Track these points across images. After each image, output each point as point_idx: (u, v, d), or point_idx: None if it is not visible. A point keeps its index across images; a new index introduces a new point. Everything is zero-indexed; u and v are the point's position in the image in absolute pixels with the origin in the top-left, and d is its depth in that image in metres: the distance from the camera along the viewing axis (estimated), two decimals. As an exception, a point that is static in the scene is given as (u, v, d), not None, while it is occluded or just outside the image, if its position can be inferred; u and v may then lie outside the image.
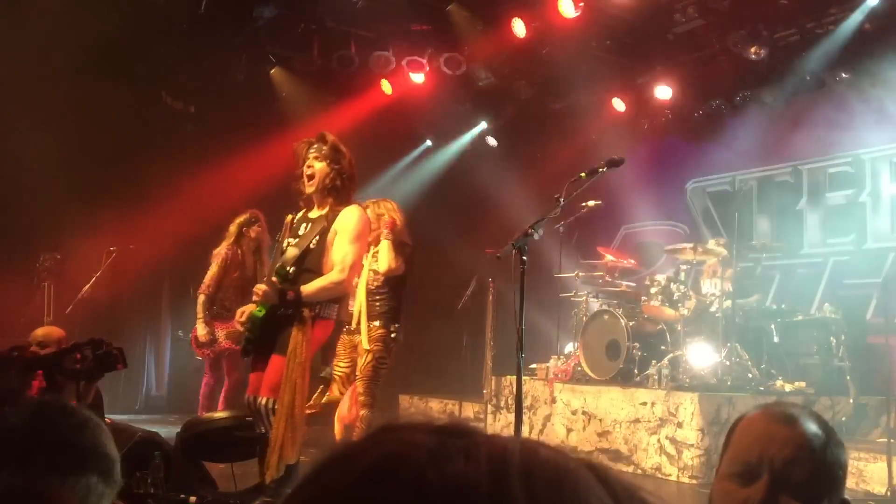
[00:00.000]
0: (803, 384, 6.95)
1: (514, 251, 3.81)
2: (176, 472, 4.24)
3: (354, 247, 4.29)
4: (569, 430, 7.41)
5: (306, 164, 4.35)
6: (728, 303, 7.12)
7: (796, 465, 1.39)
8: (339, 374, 5.75)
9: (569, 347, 8.41)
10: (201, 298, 6.82)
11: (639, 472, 6.67)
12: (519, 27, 8.38)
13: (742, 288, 7.47)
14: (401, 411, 9.88)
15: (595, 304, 8.04)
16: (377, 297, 5.65)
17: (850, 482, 5.67)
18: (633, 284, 8.19)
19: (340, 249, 4.25)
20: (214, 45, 8.65)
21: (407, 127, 10.76)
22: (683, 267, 7.69)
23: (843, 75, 8.08)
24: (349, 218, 4.30)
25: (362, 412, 5.48)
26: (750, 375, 6.91)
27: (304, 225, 4.41)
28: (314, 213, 4.43)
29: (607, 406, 7.07)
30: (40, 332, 4.33)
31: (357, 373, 5.59)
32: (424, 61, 9.24)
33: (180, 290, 9.90)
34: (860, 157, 8.42)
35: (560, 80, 9.51)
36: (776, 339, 7.12)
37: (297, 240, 4.37)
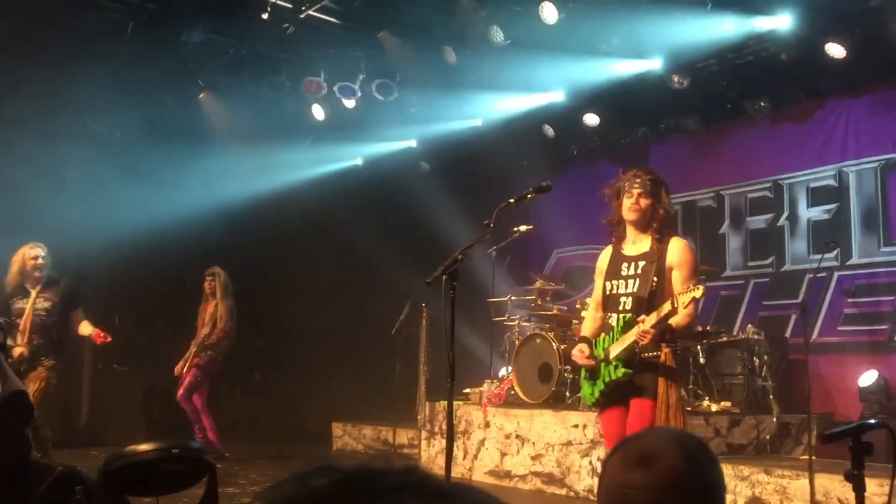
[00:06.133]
0: (729, 404, 7.14)
1: (444, 277, 3.81)
2: (98, 507, 4.09)
3: (695, 280, 4.14)
4: (503, 454, 7.43)
5: (628, 195, 4.22)
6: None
7: None
8: None
9: (502, 371, 8.45)
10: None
11: (572, 494, 6.72)
12: (449, 55, 8.46)
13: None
14: (333, 439, 9.77)
15: (528, 328, 8.10)
16: None
17: (775, 499, 5.81)
18: (565, 308, 8.29)
19: (685, 284, 4.07)
20: (141, 69, 8.48)
21: (338, 150, 10.74)
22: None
23: (762, 104, 8.39)
24: (683, 250, 4.19)
25: None
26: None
27: (627, 265, 4.24)
28: (633, 250, 4.27)
29: (540, 429, 7.12)
30: None
31: None
32: (356, 87, 9.24)
33: (105, 319, 9.60)
34: (779, 182, 8.73)
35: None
36: (702, 360, 7.29)
37: (625, 281, 4.21)
